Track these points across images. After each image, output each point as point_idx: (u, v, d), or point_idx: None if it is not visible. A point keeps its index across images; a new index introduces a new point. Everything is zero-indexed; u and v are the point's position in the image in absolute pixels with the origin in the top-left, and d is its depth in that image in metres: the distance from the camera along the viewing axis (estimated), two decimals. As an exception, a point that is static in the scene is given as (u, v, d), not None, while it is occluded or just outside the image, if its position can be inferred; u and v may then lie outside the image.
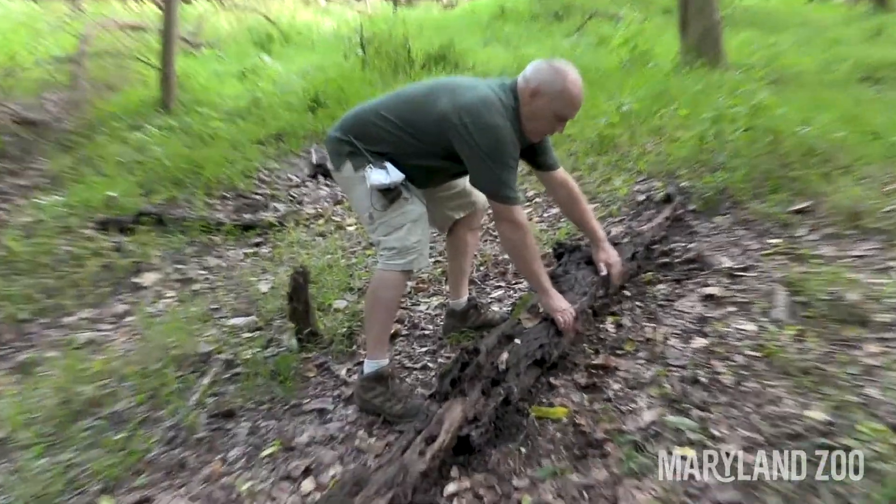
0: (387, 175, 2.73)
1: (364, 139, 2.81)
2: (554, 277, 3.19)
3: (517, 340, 2.78)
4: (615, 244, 3.53)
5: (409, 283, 4.17)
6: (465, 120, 2.64)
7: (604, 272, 3.26)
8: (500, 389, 2.56)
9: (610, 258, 3.29)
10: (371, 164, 2.77)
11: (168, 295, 4.41)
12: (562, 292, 3.01)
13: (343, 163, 2.85)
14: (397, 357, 3.36)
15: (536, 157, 3.07)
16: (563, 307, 2.92)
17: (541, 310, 2.97)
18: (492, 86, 2.76)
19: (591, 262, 3.33)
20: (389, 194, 2.76)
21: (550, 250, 3.91)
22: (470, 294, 3.57)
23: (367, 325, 2.95)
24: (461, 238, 3.37)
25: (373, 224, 2.86)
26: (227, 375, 3.34)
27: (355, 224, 5.35)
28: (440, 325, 3.64)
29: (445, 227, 3.34)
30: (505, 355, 2.66)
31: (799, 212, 4.06)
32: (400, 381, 3.10)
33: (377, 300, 2.89)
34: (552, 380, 2.85)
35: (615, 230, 4.29)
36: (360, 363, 3.23)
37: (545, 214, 5.06)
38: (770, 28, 11.93)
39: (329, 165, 2.98)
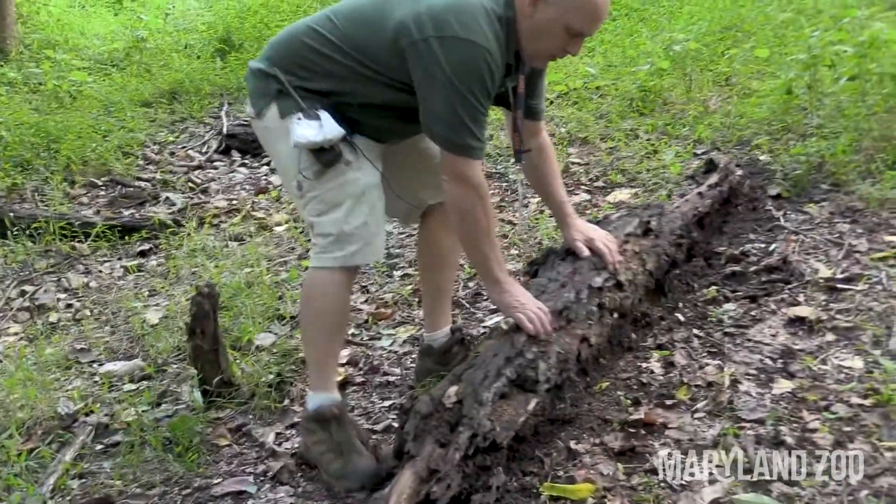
0: (319, 129, 2.75)
1: (295, 72, 2.86)
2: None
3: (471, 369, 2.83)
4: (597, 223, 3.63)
5: (366, 308, 4.22)
6: (427, 31, 2.65)
7: (585, 252, 3.32)
8: (461, 428, 2.60)
9: (589, 232, 3.36)
10: (300, 112, 2.79)
11: (10, 331, 4.43)
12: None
13: (266, 106, 2.89)
14: (351, 413, 3.41)
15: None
16: (524, 301, 2.96)
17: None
18: None
19: (571, 252, 3.39)
20: (324, 156, 2.79)
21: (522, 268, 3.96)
22: (454, 323, 3.62)
23: (304, 348, 3.05)
24: (437, 238, 3.40)
25: (302, 197, 2.90)
26: (99, 447, 3.36)
27: (287, 223, 5.39)
28: (411, 369, 3.69)
29: (414, 216, 3.38)
30: (453, 388, 2.71)
31: (928, 196, 4.15)
32: (353, 429, 3.11)
33: (312, 312, 2.96)
34: (573, 444, 2.90)
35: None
36: (294, 427, 3.28)
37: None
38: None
39: (248, 110, 3.02)
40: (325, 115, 2.77)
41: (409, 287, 4.35)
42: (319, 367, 3.02)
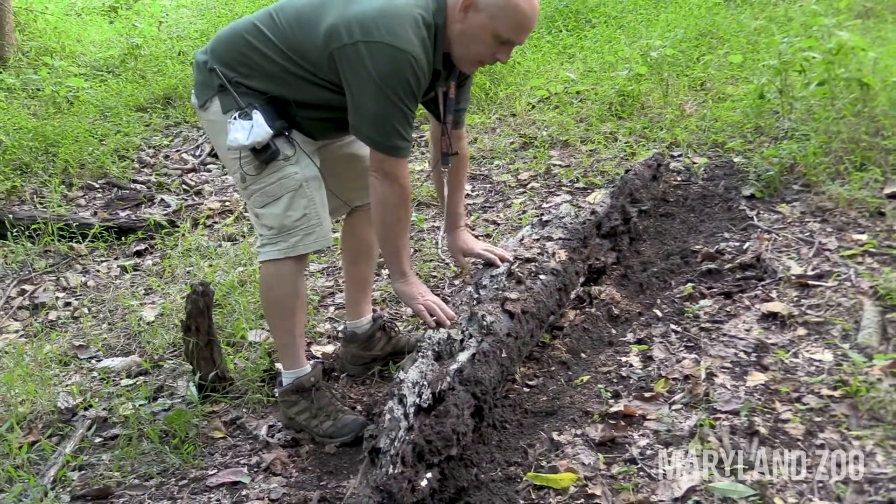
0: (249, 130, 2.80)
1: (235, 67, 2.91)
2: None
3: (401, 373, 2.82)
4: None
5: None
6: (355, 36, 2.71)
7: (462, 262, 3.58)
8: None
9: (471, 243, 3.53)
10: (237, 112, 2.85)
11: (10, 328, 4.43)
12: None
13: (210, 99, 2.96)
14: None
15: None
16: (424, 295, 3.11)
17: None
18: None
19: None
20: (262, 154, 2.86)
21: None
22: (375, 312, 3.67)
23: (272, 333, 3.21)
24: (361, 233, 3.47)
25: (246, 189, 2.98)
26: (98, 440, 3.37)
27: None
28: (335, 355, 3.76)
29: (341, 211, 3.44)
30: (389, 404, 2.69)
31: (895, 196, 4.18)
32: (328, 392, 3.26)
33: (272, 302, 3.09)
34: (555, 435, 2.92)
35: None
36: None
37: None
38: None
39: (193, 100, 3.09)
40: (256, 116, 2.83)
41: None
42: (287, 348, 3.17)
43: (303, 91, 2.89)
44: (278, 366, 3.50)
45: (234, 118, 2.83)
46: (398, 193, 2.90)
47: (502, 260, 3.46)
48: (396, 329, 3.69)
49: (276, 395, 3.30)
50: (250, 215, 3.07)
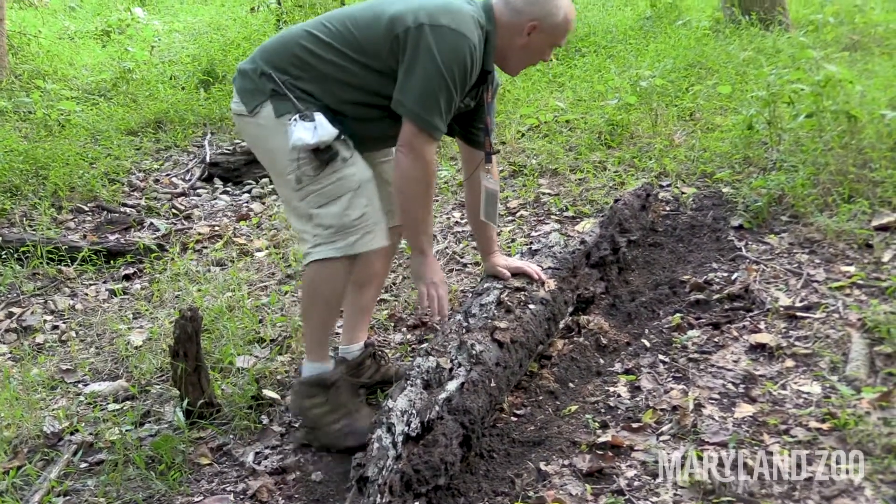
0: (314, 130, 2.89)
1: (287, 70, 3.00)
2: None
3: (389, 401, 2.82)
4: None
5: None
6: (421, 19, 2.87)
7: (507, 275, 3.58)
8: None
9: (511, 262, 3.66)
10: (297, 114, 2.92)
11: (-2, 351, 4.40)
12: None
13: (261, 105, 3.01)
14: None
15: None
16: (434, 279, 3.19)
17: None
18: (463, 1, 3.03)
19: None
20: (322, 154, 2.93)
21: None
22: (368, 339, 3.67)
23: (305, 325, 3.26)
24: (377, 263, 3.49)
25: (301, 190, 3.02)
26: (84, 465, 3.34)
27: (267, 248, 5.39)
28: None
29: None
30: (377, 432, 2.68)
31: (883, 228, 4.21)
32: (348, 394, 3.32)
33: (316, 297, 3.14)
34: (542, 465, 2.91)
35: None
36: (273, 447, 3.29)
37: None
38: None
39: (236, 107, 3.12)
40: (319, 117, 2.92)
41: (385, 312, 4.34)
42: (320, 340, 3.24)
43: (353, 88, 3.00)
44: (268, 394, 3.49)
45: (295, 119, 2.91)
46: (423, 169, 2.98)
47: (539, 279, 3.59)
48: (386, 357, 3.69)
49: (293, 383, 3.38)
50: (296, 217, 3.11)
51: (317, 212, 3.01)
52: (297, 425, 3.39)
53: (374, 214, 3.06)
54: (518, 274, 3.60)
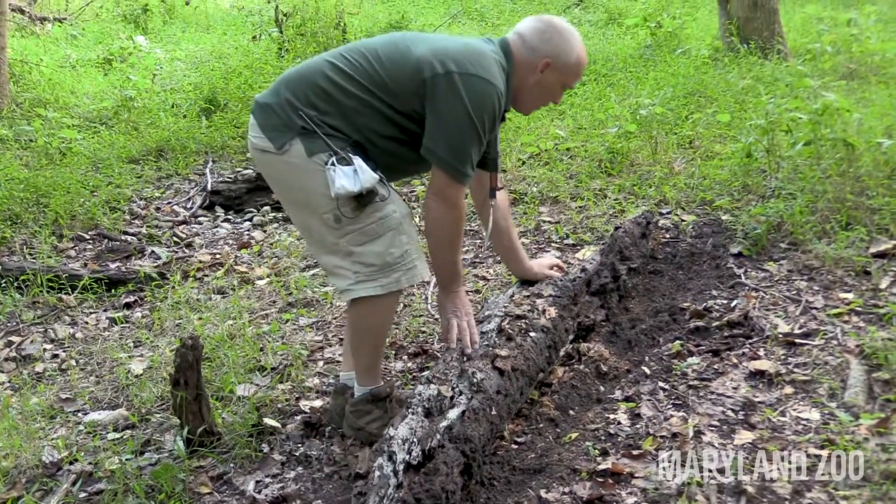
0: (355, 177, 2.92)
1: (314, 104, 3.02)
2: None
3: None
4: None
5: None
6: (450, 67, 2.93)
7: (556, 274, 3.82)
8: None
9: (543, 262, 3.91)
10: (335, 159, 2.94)
11: (-2, 380, 4.41)
12: None
13: (290, 142, 3.01)
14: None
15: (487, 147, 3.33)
16: (462, 312, 3.27)
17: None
18: (482, 40, 3.14)
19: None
20: (364, 198, 2.97)
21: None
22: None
23: (356, 357, 3.36)
24: None
25: (340, 229, 3.05)
26: (83, 495, 3.33)
27: (268, 276, 5.40)
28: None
29: None
30: (365, 452, 2.72)
31: (881, 255, 4.23)
32: (400, 405, 3.31)
33: (365, 334, 3.23)
34: (543, 493, 2.92)
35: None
36: (273, 476, 3.30)
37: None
38: (845, 0, 12.33)
39: (259, 142, 3.09)
40: (358, 161, 2.94)
41: (387, 340, 4.34)
42: (370, 368, 3.33)
43: (377, 123, 3.03)
44: (269, 422, 3.50)
45: (333, 164, 2.92)
46: (455, 216, 3.09)
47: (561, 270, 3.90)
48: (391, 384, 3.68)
49: (348, 406, 3.40)
50: (331, 254, 3.12)
51: (358, 250, 3.05)
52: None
53: (416, 250, 3.12)
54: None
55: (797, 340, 3.65)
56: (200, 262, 5.78)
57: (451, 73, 2.91)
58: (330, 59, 3.09)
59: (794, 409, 3.19)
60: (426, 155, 3.01)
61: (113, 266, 5.76)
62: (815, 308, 3.90)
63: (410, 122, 3.03)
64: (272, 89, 3.13)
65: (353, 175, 2.90)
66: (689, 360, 3.66)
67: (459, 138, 2.95)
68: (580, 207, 5.73)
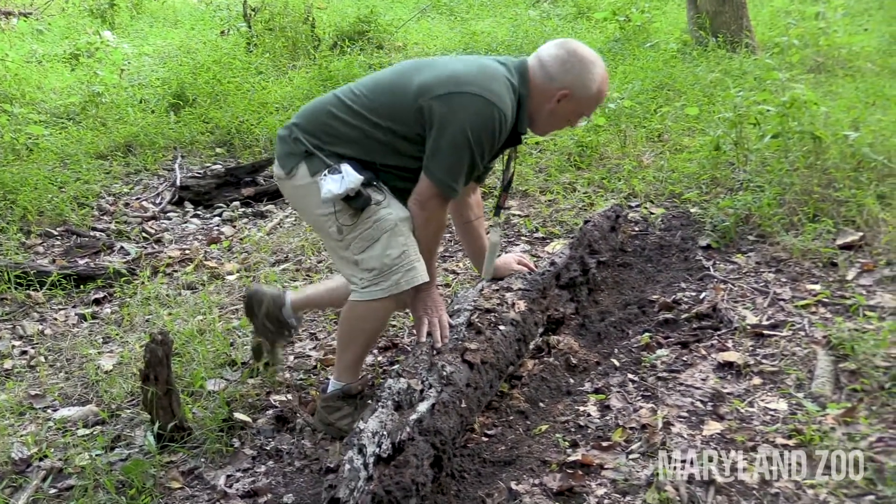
0: (341, 181, 3.01)
1: (319, 136, 3.17)
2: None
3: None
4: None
5: (315, 354, 4.22)
6: (449, 88, 3.01)
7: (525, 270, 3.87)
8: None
9: (509, 259, 3.95)
10: (327, 170, 3.06)
11: (-35, 377, 4.38)
12: None
13: (296, 166, 3.18)
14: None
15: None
16: (434, 310, 3.36)
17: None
18: (496, 60, 3.17)
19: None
20: (356, 202, 3.06)
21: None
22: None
23: (340, 351, 3.41)
24: None
25: (343, 240, 3.16)
26: (53, 491, 3.32)
27: (238, 272, 5.39)
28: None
29: None
30: (335, 445, 2.73)
31: (847, 247, 4.28)
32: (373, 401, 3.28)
33: (356, 332, 3.27)
34: (513, 484, 2.93)
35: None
36: (244, 470, 3.31)
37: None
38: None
39: (277, 171, 3.30)
40: (345, 167, 3.05)
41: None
42: (351, 367, 3.39)
43: (386, 152, 3.15)
44: (239, 417, 3.49)
45: (325, 175, 3.05)
46: (435, 228, 3.25)
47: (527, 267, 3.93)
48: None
49: (320, 401, 3.47)
50: (346, 265, 3.24)
51: (361, 257, 3.14)
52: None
53: (414, 252, 3.16)
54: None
55: (765, 332, 3.69)
56: (170, 257, 5.76)
57: (449, 94, 2.99)
58: (338, 94, 3.22)
59: (762, 400, 3.22)
60: (424, 171, 3.11)
61: (82, 262, 5.72)
62: (783, 299, 3.94)
63: (412, 147, 3.12)
64: (289, 122, 3.29)
65: (341, 180, 3.00)
66: (658, 352, 3.69)
67: (455, 158, 3.03)
68: (549, 201, 5.75)
